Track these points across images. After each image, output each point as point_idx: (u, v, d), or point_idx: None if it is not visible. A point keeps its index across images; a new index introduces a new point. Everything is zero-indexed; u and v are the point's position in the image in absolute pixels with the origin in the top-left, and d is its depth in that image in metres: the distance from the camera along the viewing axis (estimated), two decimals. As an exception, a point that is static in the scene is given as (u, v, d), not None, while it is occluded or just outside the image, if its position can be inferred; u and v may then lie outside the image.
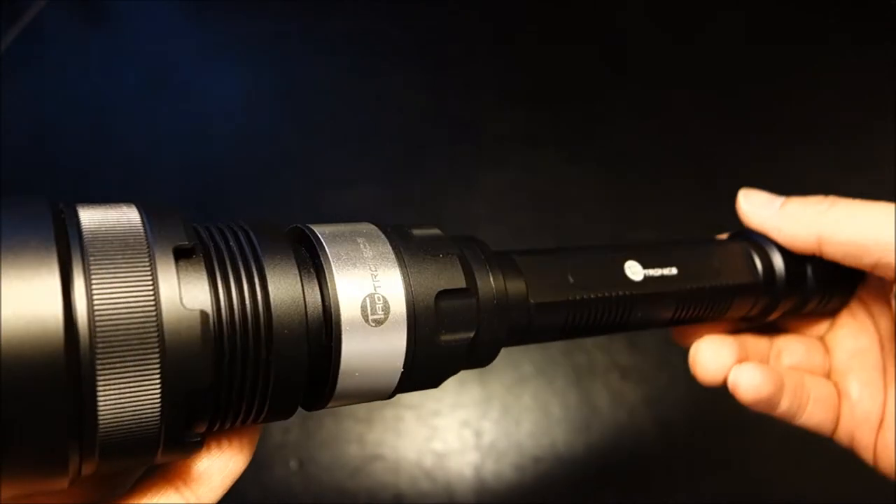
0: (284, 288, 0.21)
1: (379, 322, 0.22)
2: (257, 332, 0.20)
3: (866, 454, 0.35)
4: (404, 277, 0.23)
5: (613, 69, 1.07)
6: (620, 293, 0.30)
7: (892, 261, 0.30)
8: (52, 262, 0.17)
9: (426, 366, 0.24)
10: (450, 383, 0.78)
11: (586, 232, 0.90)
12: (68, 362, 0.16)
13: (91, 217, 0.19)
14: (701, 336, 0.35)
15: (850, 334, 0.37)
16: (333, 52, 1.09)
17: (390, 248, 0.24)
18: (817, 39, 1.11)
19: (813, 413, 0.35)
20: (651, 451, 0.74)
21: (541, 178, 0.95)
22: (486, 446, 0.73)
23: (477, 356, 0.27)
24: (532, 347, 0.78)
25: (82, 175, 0.97)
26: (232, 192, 0.95)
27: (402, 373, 0.23)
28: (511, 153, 0.98)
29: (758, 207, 0.34)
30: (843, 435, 0.35)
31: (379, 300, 0.22)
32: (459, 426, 0.74)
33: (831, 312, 0.37)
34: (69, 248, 0.18)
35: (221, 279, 0.20)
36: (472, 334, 0.25)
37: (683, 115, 1.02)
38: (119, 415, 0.18)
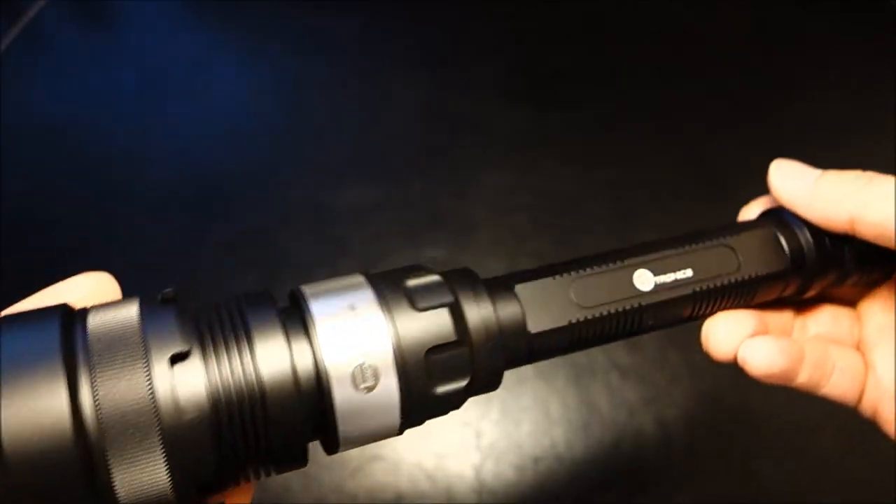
0: (276, 366, 0.22)
1: (370, 388, 0.24)
2: (253, 410, 0.22)
3: (888, 427, 0.33)
4: (394, 339, 0.24)
5: (614, 69, 1.07)
6: (629, 306, 0.29)
7: None
8: (58, 372, 0.19)
9: (424, 414, 0.26)
10: (450, 383, 0.78)
11: (586, 231, 0.90)
12: (81, 461, 0.19)
13: (96, 321, 0.21)
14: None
15: (883, 308, 0.35)
16: (333, 52, 1.09)
17: (379, 308, 0.24)
18: (818, 39, 1.11)
19: (837, 384, 0.33)
20: (651, 451, 0.74)
21: (541, 178, 0.95)
22: (486, 447, 0.73)
23: (477, 391, 0.27)
24: (532, 347, 0.78)
25: (82, 175, 0.97)
26: (231, 191, 0.95)
27: (401, 422, 0.25)
28: (511, 153, 0.98)
29: (790, 180, 0.31)
30: (866, 407, 0.34)
31: (368, 369, 0.24)
32: (459, 427, 0.74)
33: (873, 284, 0.35)
34: (75, 355, 0.20)
35: (217, 364, 0.22)
36: (465, 382, 0.26)
37: (684, 114, 1.02)
38: None
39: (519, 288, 0.28)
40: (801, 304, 0.35)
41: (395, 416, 0.24)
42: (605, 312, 0.29)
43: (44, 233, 0.91)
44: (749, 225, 0.33)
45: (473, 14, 1.13)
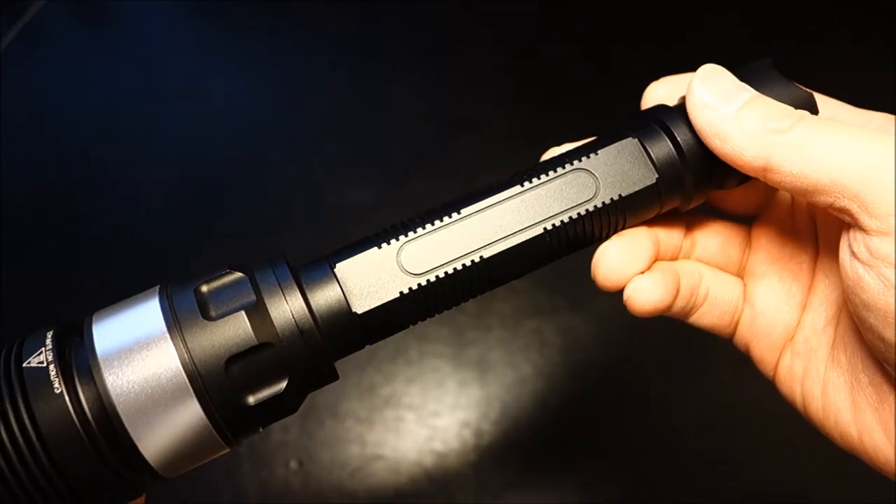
0: (52, 414, 0.22)
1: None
2: (40, 466, 0.21)
3: (763, 368, 0.31)
4: (183, 356, 0.23)
5: (613, 68, 1.07)
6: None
7: (849, 206, 0.23)
8: None
9: (248, 425, 0.24)
10: (450, 383, 0.78)
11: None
12: None
13: None
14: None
15: (774, 238, 0.31)
16: (334, 51, 1.09)
17: (164, 325, 0.23)
18: (814, 37, 1.11)
19: (705, 315, 0.31)
20: (653, 452, 0.74)
21: (541, 178, 0.95)
22: (486, 447, 0.73)
23: (311, 388, 0.26)
24: (531, 347, 0.78)
25: (82, 175, 0.97)
26: (232, 192, 0.95)
27: (224, 438, 0.24)
28: (511, 153, 0.98)
29: (714, 99, 0.27)
30: (740, 341, 0.32)
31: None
32: (459, 427, 0.74)
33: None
34: None
35: None
36: (284, 384, 0.24)
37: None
38: None
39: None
40: (692, 220, 0.32)
41: (210, 435, 0.23)
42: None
43: (43, 232, 0.91)
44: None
45: (473, 14, 1.13)
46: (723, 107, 0.26)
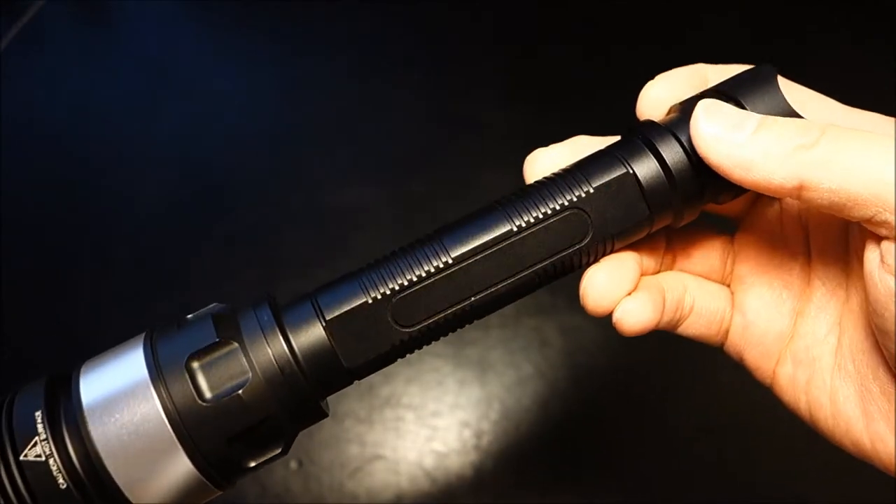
0: (39, 476, 0.23)
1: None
2: None
3: (760, 376, 0.31)
4: (185, 442, 0.23)
5: (613, 67, 1.07)
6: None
7: (891, 218, 0.22)
8: None
9: (246, 474, 0.26)
10: (450, 384, 0.78)
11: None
12: None
13: None
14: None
15: (762, 248, 0.31)
16: (334, 51, 1.09)
17: (164, 417, 0.23)
18: (814, 37, 1.11)
19: (692, 325, 0.31)
20: (653, 453, 0.74)
21: (541, 178, 0.95)
22: (485, 447, 0.73)
23: (303, 427, 0.26)
24: (531, 348, 0.78)
25: (82, 175, 0.97)
26: (232, 191, 0.94)
27: (221, 487, 0.25)
28: (511, 153, 0.98)
29: (724, 132, 0.25)
30: (731, 350, 0.32)
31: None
32: (459, 427, 0.74)
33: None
34: None
35: None
36: (280, 448, 0.25)
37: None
38: None
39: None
40: (672, 232, 0.31)
41: (196, 481, 0.24)
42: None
43: (43, 232, 0.91)
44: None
45: (473, 14, 1.13)
46: (735, 135, 0.25)
